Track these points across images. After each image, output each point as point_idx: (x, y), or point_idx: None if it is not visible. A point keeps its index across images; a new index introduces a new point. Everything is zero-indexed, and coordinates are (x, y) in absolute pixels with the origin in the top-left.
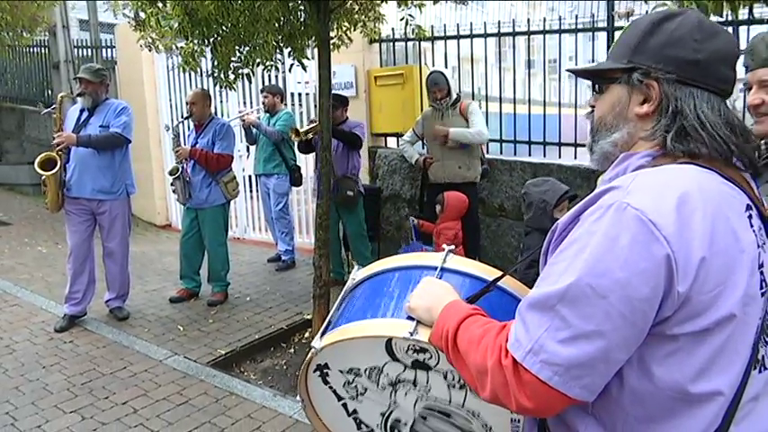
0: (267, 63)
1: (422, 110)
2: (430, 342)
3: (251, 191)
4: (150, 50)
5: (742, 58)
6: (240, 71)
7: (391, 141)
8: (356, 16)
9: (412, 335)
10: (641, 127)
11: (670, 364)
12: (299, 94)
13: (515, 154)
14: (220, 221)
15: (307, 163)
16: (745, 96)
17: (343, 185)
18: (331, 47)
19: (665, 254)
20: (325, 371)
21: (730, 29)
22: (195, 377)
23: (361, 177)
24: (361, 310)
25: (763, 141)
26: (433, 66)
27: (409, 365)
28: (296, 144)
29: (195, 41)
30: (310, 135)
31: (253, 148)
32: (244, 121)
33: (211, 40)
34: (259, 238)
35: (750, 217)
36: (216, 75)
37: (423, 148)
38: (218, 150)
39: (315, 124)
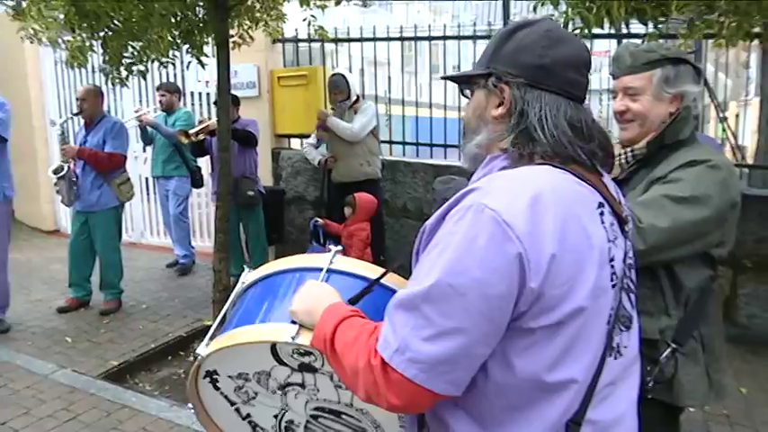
0: (163, 60)
1: None
2: (312, 345)
3: (148, 193)
4: (32, 43)
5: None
6: (133, 67)
7: (295, 143)
8: (258, 15)
9: (294, 339)
10: (498, 129)
11: (528, 356)
12: (200, 94)
13: (418, 156)
14: (112, 225)
15: (208, 163)
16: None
17: (243, 186)
18: (232, 45)
19: (518, 252)
20: (214, 377)
21: (612, 41)
22: (84, 391)
23: (261, 178)
24: (248, 314)
25: (629, 148)
26: (337, 67)
27: (296, 368)
28: (188, 147)
29: (83, 35)
30: (201, 136)
31: (150, 148)
32: (141, 121)
33: (101, 33)
34: (157, 242)
35: (602, 214)
36: (107, 71)
37: (327, 150)
38: (109, 149)
39: (205, 125)
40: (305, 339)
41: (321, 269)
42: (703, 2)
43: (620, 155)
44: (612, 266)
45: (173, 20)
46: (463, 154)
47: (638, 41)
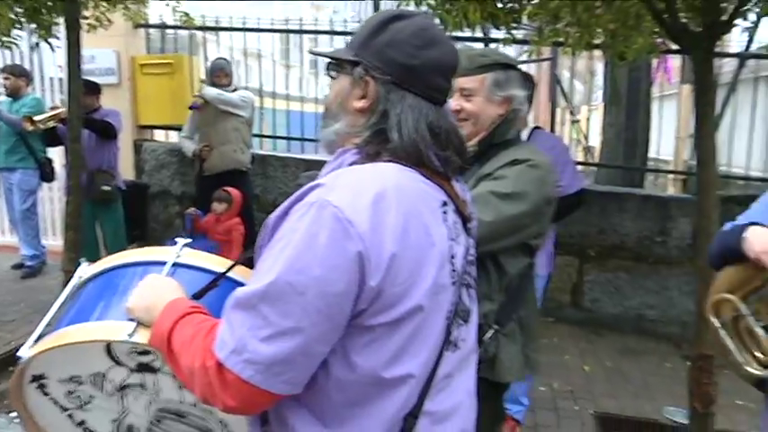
0: (4, 39)
1: None
2: (149, 344)
3: None
4: None
5: None
6: None
7: (159, 134)
8: None
9: (130, 337)
10: (356, 122)
11: (368, 353)
12: (60, 80)
13: (289, 150)
14: None
15: (62, 155)
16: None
17: (98, 180)
18: (87, 28)
19: (358, 250)
20: (42, 381)
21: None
22: None
23: (121, 172)
24: (82, 311)
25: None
26: (207, 57)
27: (134, 369)
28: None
29: None
30: (51, 124)
31: None
32: None
33: None
34: (0, 241)
35: (445, 212)
36: None
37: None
38: None
39: (56, 112)
40: (142, 338)
41: (166, 263)
42: (551, 12)
43: None
44: (453, 264)
45: None
46: (321, 138)
47: (475, 45)
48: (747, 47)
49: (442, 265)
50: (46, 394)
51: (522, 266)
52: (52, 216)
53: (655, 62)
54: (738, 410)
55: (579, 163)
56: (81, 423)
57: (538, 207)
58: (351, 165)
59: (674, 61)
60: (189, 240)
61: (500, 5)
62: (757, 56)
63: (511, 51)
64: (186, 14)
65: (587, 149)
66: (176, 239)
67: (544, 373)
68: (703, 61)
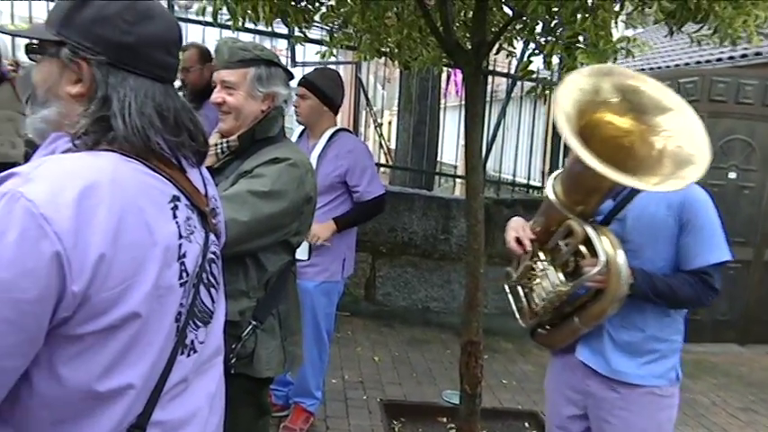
0: None
1: None
2: None
3: None
4: None
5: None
6: None
7: None
8: None
9: None
10: (72, 109)
11: (77, 365)
12: None
13: None
14: None
15: None
16: None
17: None
18: None
19: (55, 251)
20: None
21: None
22: None
23: None
24: None
25: (225, 139)
26: None
27: None
28: None
29: None
30: None
31: None
32: None
33: None
34: None
35: (175, 208)
36: None
37: None
38: None
39: None
40: None
41: None
42: (342, 17)
43: (216, 144)
44: (183, 264)
45: None
46: (28, 128)
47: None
48: (516, 69)
49: (166, 265)
50: None
51: (283, 263)
52: None
53: (445, 74)
54: (504, 389)
55: (379, 165)
56: None
57: (297, 206)
58: (64, 152)
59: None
60: None
61: (293, 3)
62: (517, 77)
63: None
64: None
65: (389, 152)
66: None
67: (336, 365)
68: (472, 77)
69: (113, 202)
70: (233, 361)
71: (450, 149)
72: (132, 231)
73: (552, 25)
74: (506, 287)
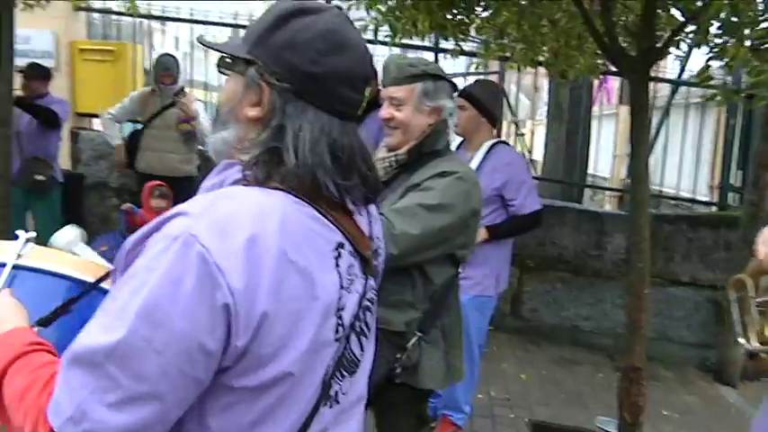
0: None
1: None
2: None
3: None
4: None
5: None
6: None
7: (98, 124)
8: None
9: None
10: (247, 134)
11: (225, 417)
12: None
13: None
14: None
15: None
16: None
17: (33, 168)
18: (22, 6)
19: (226, 304)
20: None
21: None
22: None
23: (59, 162)
24: None
25: (393, 154)
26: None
27: None
28: None
29: None
30: None
31: None
32: None
33: None
34: None
35: (338, 256)
36: None
37: (132, 127)
38: None
39: None
40: None
41: (4, 265)
42: (498, 27)
43: (384, 159)
44: (340, 318)
45: None
46: (209, 147)
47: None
48: (680, 74)
49: (324, 320)
50: None
51: (448, 276)
52: None
53: (596, 82)
54: (665, 421)
55: None
56: None
57: (464, 219)
58: (233, 184)
59: (614, 82)
60: (32, 234)
61: (449, 17)
62: (688, 83)
63: (461, 64)
64: (132, 0)
65: (531, 163)
66: (18, 233)
67: (482, 380)
68: (639, 84)
69: (278, 253)
70: (398, 371)
71: (602, 160)
72: (294, 284)
73: (734, 24)
74: (731, 296)
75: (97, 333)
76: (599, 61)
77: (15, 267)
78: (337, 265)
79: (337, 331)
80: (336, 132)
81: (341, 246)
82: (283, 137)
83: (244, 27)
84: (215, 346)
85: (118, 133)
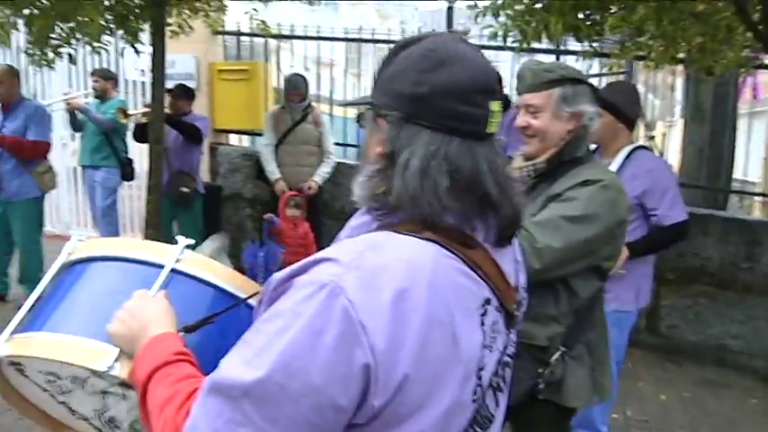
0: (95, 44)
1: (266, 108)
2: (129, 380)
3: (75, 183)
4: None
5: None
6: (61, 50)
7: (234, 138)
8: (197, 4)
9: (109, 369)
10: (375, 173)
11: None
12: (136, 83)
13: (359, 158)
14: (34, 216)
15: (141, 155)
16: None
17: (179, 181)
18: (169, 34)
19: (366, 363)
20: (19, 367)
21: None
22: None
23: (201, 175)
24: (59, 311)
25: (531, 162)
26: (280, 64)
27: (116, 383)
28: (132, 131)
29: (6, 11)
30: (143, 120)
31: (78, 135)
32: (69, 104)
33: (26, 11)
34: (85, 235)
35: (484, 313)
36: (30, 52)
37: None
38: (33, 137)
39: (147, 110)
40: (122, 371)
41: (163, 266)
42: (635, 25)
43: (521, 168)
44: (480, 378)
45: (106, 2)
46: (354, 187)
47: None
48: None
49: (465, 381)
50: (25, 376)
51: (594, 289)
52: (131, 213)
53: (741, 77)
54: None
55: None
56: (62, 403)
57: (610, 229)
58: (380, 228)
59: (764, 76)
60: (191, 241)
61: (582, 17)
62: None
63: (582, 66)
64: (263, 22)
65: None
66: (177, 239)
67: (618, 399)
68: None
69: (427, 311)
70: (541, 386)
71: (750, 163)
72: (438, 345)
73: None
74: None
75: (238, 366)
76: (750, 53)
77: (174, 271)
78: (482, 324)
79: (475, 392)
80: (454, 152)
81: (487, 302)
82: (394, 165)
83: (366, 41)
84: (348, 403)
85: (274, 166)
